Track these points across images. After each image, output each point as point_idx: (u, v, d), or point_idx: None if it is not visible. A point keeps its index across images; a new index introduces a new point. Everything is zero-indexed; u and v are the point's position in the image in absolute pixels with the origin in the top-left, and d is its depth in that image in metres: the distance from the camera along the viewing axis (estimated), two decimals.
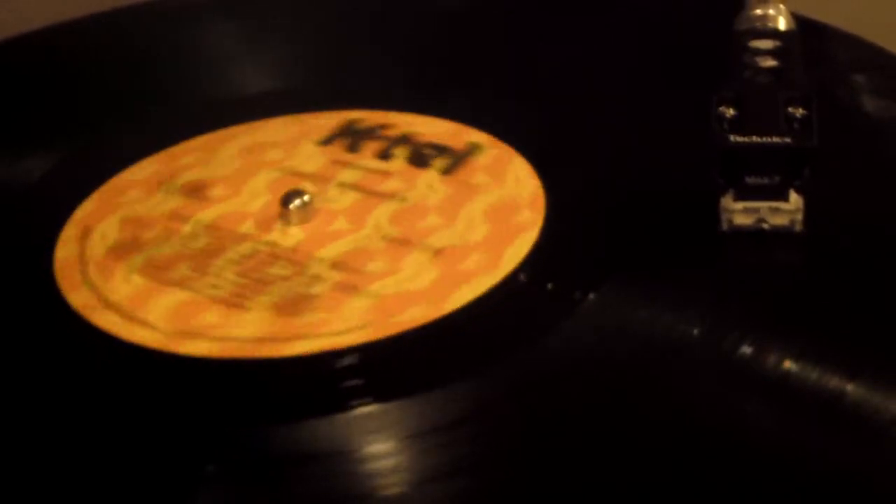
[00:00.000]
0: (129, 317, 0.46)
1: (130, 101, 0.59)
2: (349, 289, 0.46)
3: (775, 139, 0.46)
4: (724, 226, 0.47)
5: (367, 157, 0.53)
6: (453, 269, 0.47)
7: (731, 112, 0.46)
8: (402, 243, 0.48)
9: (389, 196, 0.51)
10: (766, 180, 0.46)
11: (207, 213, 0.50)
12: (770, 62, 0.46)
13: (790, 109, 0.46)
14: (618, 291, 0.45)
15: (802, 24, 0.48)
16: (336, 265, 0.48)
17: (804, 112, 0.46)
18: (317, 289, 0.46)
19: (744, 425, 0.40)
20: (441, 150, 0.53)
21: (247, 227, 0.50)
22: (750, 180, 0.46)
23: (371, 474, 0.40)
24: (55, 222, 0.51)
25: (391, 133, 0.55)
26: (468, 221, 0.50)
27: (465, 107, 0.56)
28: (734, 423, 0.41)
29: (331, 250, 0.48)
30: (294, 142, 0.54)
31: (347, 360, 0.44)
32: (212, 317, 0.45)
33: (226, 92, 0.59)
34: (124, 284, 0.47)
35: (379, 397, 0.42)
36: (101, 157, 0.55)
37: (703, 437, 0.40)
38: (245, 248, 0.48)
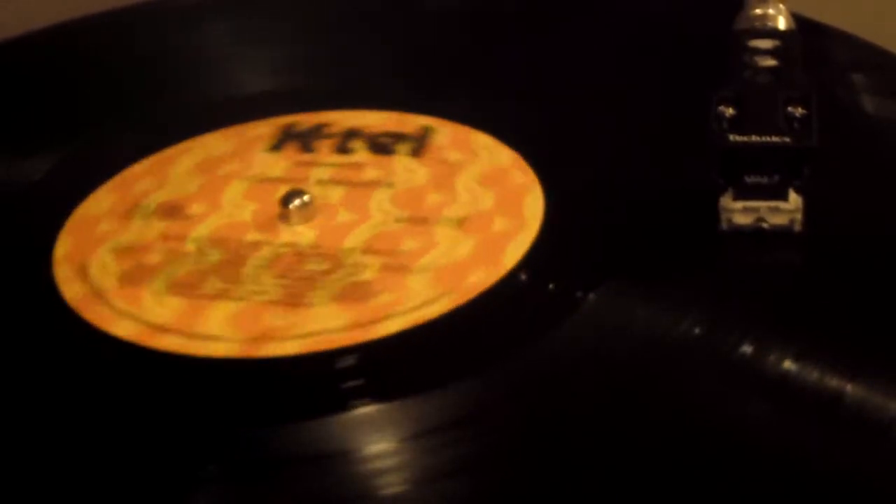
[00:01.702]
0: (190, 334, 0.45)
1: (130, 101, 0.59)
2: (399, 269, 0.47)
3: (775, 139, 0.46)
4: (724, 225, 0.47)
5: (326, 154, 0.53)
6: (488, 234, 0.48)
7: (730, 111, 0.46)
8: (419, 222, 0.49)
9: (376, 184, 0.51)
10: (765, 180, 0.46)
11: (201, 230, 0.50)
12: (770, 62, 0.46)
13: (790, 109, 0.46)
14: (618, 291, 0.45)
15: (802, 24, 0.48)
16: (369, 251, 0.48)
17: (804, 112, 0.46)
18: (366, 275, 0.47)
19: (744, 425, 0.40)
20: (397, 136, 0.54)
21: (252, 234, 0.49)
22: (749, 180, 0.46)
23: (371, 474, 0.40)
24: (55, 222, 0.51)
25: (335, 130, 0.55)
26: (470, 192, 0.50)
27: (402, 96, 0.57)
28: (734, 423, 0.41)
29: (354, 240, 0.48)
30: (242, 152, 0.54)
31: (346, 361, 0.44)
32: (277, 319, 0.45)
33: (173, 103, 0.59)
34: (162, 308, 0.46)
35: (378, 397, 0.42)
36: (100, 158, 0.55)
37: (704, 436, 0.40)
38: (266, 252, 0.48)
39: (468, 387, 0.42)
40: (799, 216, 0.46)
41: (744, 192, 0.46)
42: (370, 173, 0.52)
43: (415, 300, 0.45)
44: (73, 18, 0.64)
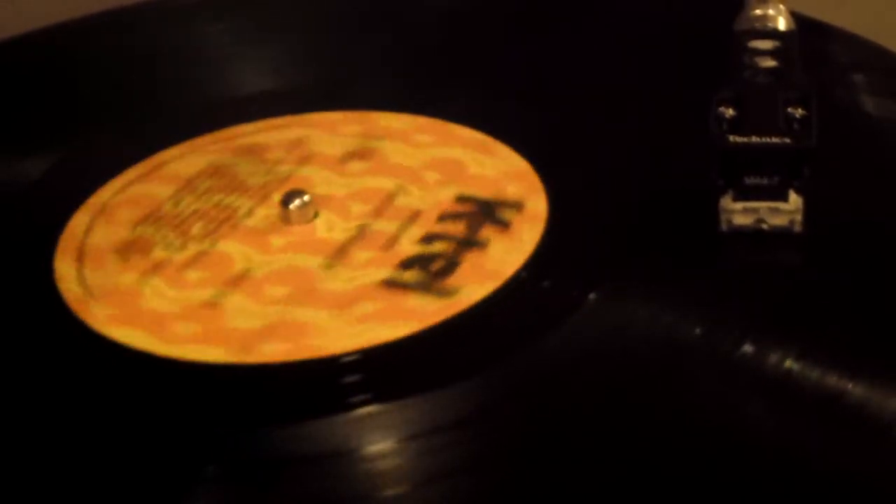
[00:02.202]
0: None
1: (130, 101, 0.59)
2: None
3: (775, 139, 0.46)
4: (724, 226, 0.47)
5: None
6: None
7: (730, 112, 0.46)
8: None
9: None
10: (765, 180, 0.46)
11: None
12: (770, 62, 0.46)
13: (790, 110, 0.46)
14: (618, 291, 0.45)
15: (802, 24, 0.48)
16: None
17: (803, 112, 0.46)
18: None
19: (744, 425, 0.40)
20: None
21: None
22: (749, 180, 0.46)
23: (371, 474, 0.40)
24: (55, 223, 0.51)
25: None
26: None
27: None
28: (734, 423, 0.41)
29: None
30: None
31: (347, 361, 0.44)
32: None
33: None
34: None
35: (379, 398, 0.42)
36: (100, 158, 0.55)
37: (704, 436, 0.40)
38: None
39: (468, 387, 0.42)
40: (799, 217, 0.46)
41: (744, 193, 0.46)
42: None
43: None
44: (73, 18, 0.64)
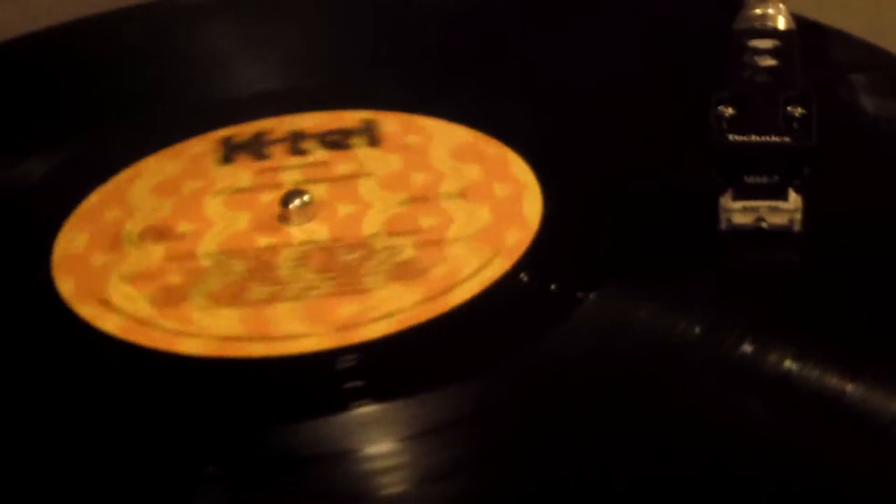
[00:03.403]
0: (271, 338, 0.45)
1: (130, 101, 0.59)
2: (436, 243, 0.48)
3: (774, 138, 0.46)
4: (723, 225, 0.47)
5: (283, 157, 0.54)
6: (498, 200, 0.49)
7: (730, 111, 0.46)
8: (423, 200, 0.50)
9: (354, 175, 0.52)
10: (765, 179, 0.46)
11: (206, 245, 0.49)
12: (769, 62, 0.46)
13: (789, 109, 0.46)
14: (618, 291, 0.45)
15: (802, 24, 0.48)
16: (394, 234, 0.48)
17: (803, 111, 0.46)
18: (407, 253, 0.47)
19: (744, 425, 0.40)
20: (346, 132, 0.55)
21: (263, 240, 0.49)
22: (749, 179, 0.46)
23: (371, 474, 0.40)
24: (55, 223, 0.51)
25: (278, 135, 0.55)
26: (451, 168, 0.51)
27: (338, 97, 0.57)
28: (734, 423, 0.41)
29: (371, 226, 0.49)
30: (195, 170, 0.54)
31: (346, 361, 0.44)
32: (351, 306, 0.45)
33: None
34: (221, 320, 0.46)
35: (378, 397, 0.42)
36: (100, 158, 0.55)
37: (704, 436, 0.40)
38: (291, 253, 0.48)
39: (468, 387, 0.42)
40: (798, 216, 0.46)
41: (743, 192, 0.46)
42: (342, 167, 0.52)
43: (474, 265, 0.46)
44: (73, 18, 0.64)
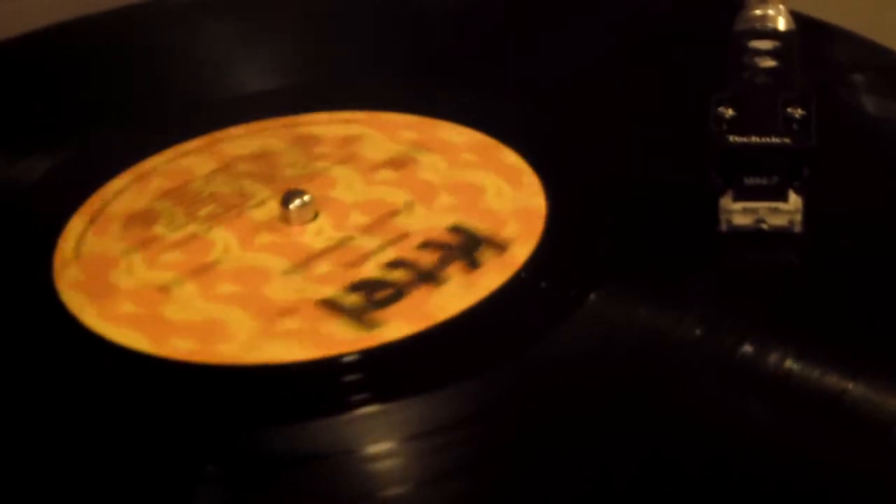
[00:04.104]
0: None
1: (131, 101, 0.59)
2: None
3: (774, 139, 0.46)
4: (723, 226, 0.47)
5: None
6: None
7: (729, 112, 0.46)
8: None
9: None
10: (764, 181, 0.46)
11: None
12: (769, 62, 0.46)
13: (789, 110, 0.46)
14: (618, 291, 0.45)
15: (802, 23, 0.48)
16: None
17: (803, 112, 0.46)
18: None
19: (744, 425, 0.41)
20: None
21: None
22: (749, 181, 0.46)
23: (371, 475, 0.40)
24: (55, 223, 0.51)
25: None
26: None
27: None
28: (734, 423, 0.41)
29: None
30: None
31: (347, 362, 0.44)
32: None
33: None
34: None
35: (379, 398, 0.42)
36: (100, 158, 0.55)
37: (704, 436, 0.40)
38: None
39: (468, 387, 0.42)
40: (798, 217, 0.46)
41: (743, 193, 0.46)
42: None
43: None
44: (73, 18, 0.64)
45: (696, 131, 0.46)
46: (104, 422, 0.43)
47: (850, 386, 0.41)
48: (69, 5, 0.64)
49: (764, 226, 0.47)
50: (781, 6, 0.46)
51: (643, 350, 0.43)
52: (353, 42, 0.62)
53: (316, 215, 0.50)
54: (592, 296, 0.45)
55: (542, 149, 0.53)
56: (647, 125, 0.53)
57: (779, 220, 0.47)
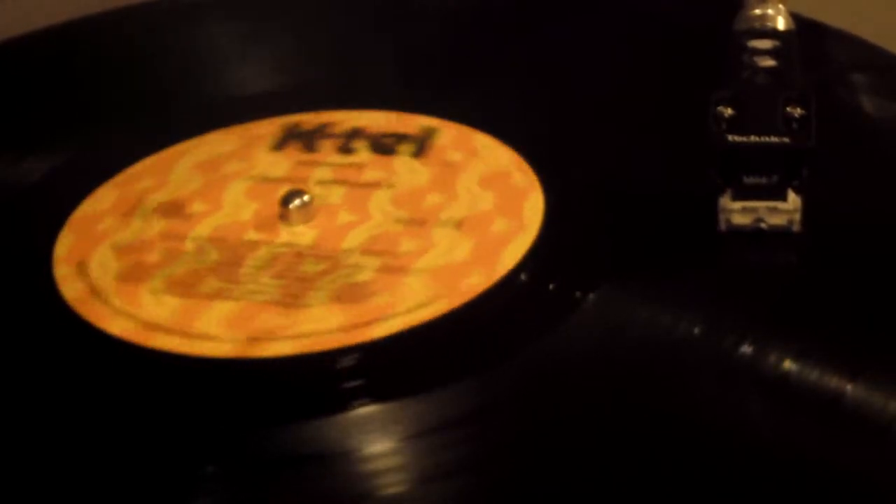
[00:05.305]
0: (187, 334, 0.45)
1: (131, 101, 0.59)
2: (396, 270, 0.47)
3: (773, 139, 0.46)
4: (723, 226, 0.47)
5: (329, 153, 0.53)
6: (486, 236, 0.48)
7: (729, 112, 0.46)
8: (419, 223, 0.49)
9: (376, 184, 0.51)
10: (764, 180, 0.46)
11: (201, 229, 0.50)
12: (769, 62, 0.46)
13: (788, 109, 0.46)
14: (618, 291, 0.45)
15: (801, 24, 0.48)
16: (367, 252, 0.48)
17: (802, 112, 0.46)
18: (363, 276, 0.47)
19: (744, 425, 0.40)
20: (399, 137, 0.54)
21: (251, 234, 0.49)
22: (748, 180, 0.46)
23: (371, 474, 0.40)
24: (55, 222, 0.51)
25: (339, 130, 0.55)
26: (469, 193, 0.50)
27: (405, 96, 0.57)
28: (734, 423, 0.41)
29: (353, 240, 0.48)
30: (245, 151, 0.54)
31: (347, 361, 0.44)
32: (274, 318, 0.45)
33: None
34: (159, 306, 0.46)
35: (379, 397, 0.42)
36: (100, 158, 0.55)
37: (704, 436, 0.40)
38: (264, 252, 0.48)
39: (467, 388, 0.42)
40: (798, 216, 0.47)
41: (743, 193, 0.46)
42: (371, 174, 0.52)
43: (410, 302, 0.45)
44: (73, 18, 0.64)
45: (695, 131, 0.46)
46: (104, 422, 0.43)
47: (850, 386, 0.41)
48: (69, 5, 0.64)
49: (763, 225, 0.47)
50: (781, 6, 0.46)
51: (643, 350, 0.43)
52: (351, 42, 0.62)
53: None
54: (592, 296, 0.45)
55: (541, 149, 0.53)
56: (647, 125, 0.54)
57: (778, 220, 0.47)
